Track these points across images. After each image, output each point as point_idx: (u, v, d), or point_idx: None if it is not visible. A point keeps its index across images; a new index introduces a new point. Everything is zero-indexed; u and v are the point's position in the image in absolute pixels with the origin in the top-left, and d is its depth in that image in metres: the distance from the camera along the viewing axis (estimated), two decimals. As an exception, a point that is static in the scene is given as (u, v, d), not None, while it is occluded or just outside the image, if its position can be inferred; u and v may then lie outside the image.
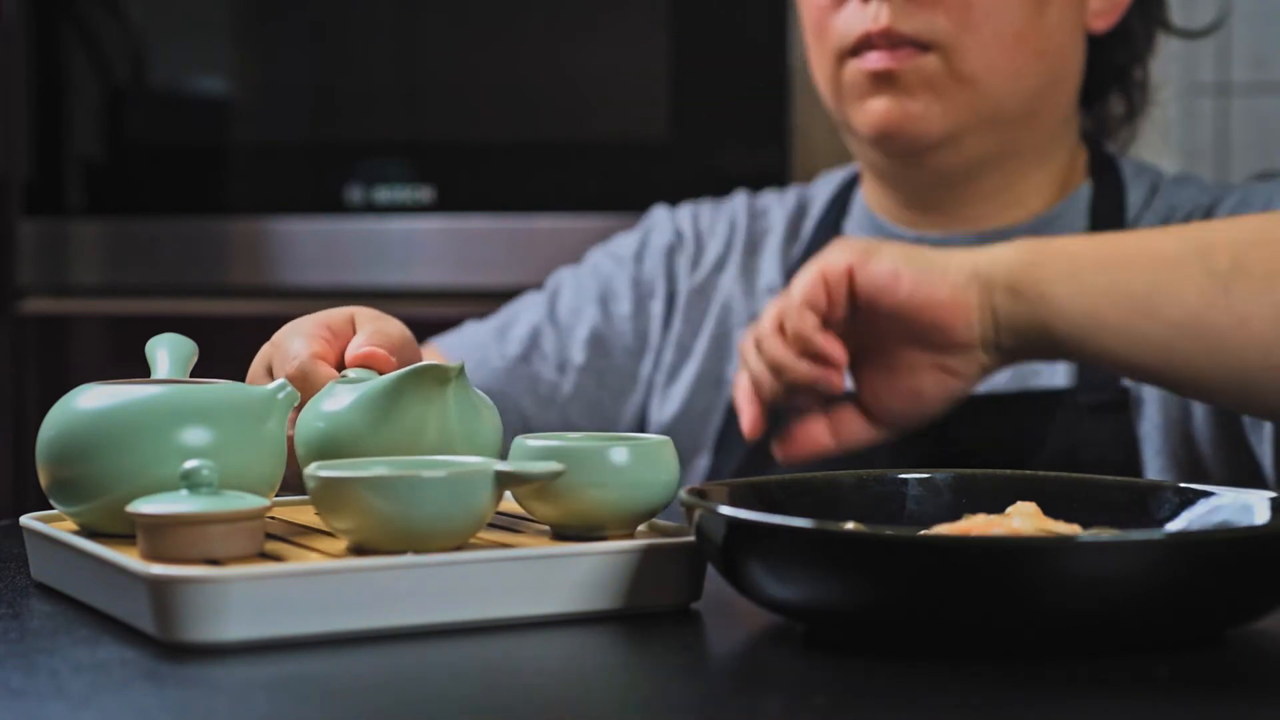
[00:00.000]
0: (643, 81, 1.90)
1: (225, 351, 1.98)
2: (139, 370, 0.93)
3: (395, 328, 0.98)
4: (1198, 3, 1.49)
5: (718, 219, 1.44)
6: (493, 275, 1.85)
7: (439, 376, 0.84)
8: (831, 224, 1.40)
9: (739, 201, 1.45)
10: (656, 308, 1.41)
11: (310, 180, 1.97)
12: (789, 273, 1.39)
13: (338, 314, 0.98)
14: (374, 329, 0.96)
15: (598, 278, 1.43)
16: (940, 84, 1.26)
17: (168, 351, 0.93)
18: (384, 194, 1.95)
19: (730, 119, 1.88)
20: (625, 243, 1.45)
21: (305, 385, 0.91)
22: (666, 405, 1.38)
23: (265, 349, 0.99)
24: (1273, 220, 1.03)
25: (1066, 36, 1.31)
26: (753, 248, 1.42)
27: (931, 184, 1.33)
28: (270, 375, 0.98)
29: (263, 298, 1.98)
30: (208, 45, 2.06)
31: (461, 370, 0.85)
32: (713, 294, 1.41)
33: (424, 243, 1.92)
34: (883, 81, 1.27)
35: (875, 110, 1.27)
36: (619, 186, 1.88)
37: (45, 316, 2.04)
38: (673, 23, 1.89)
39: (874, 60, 1.26)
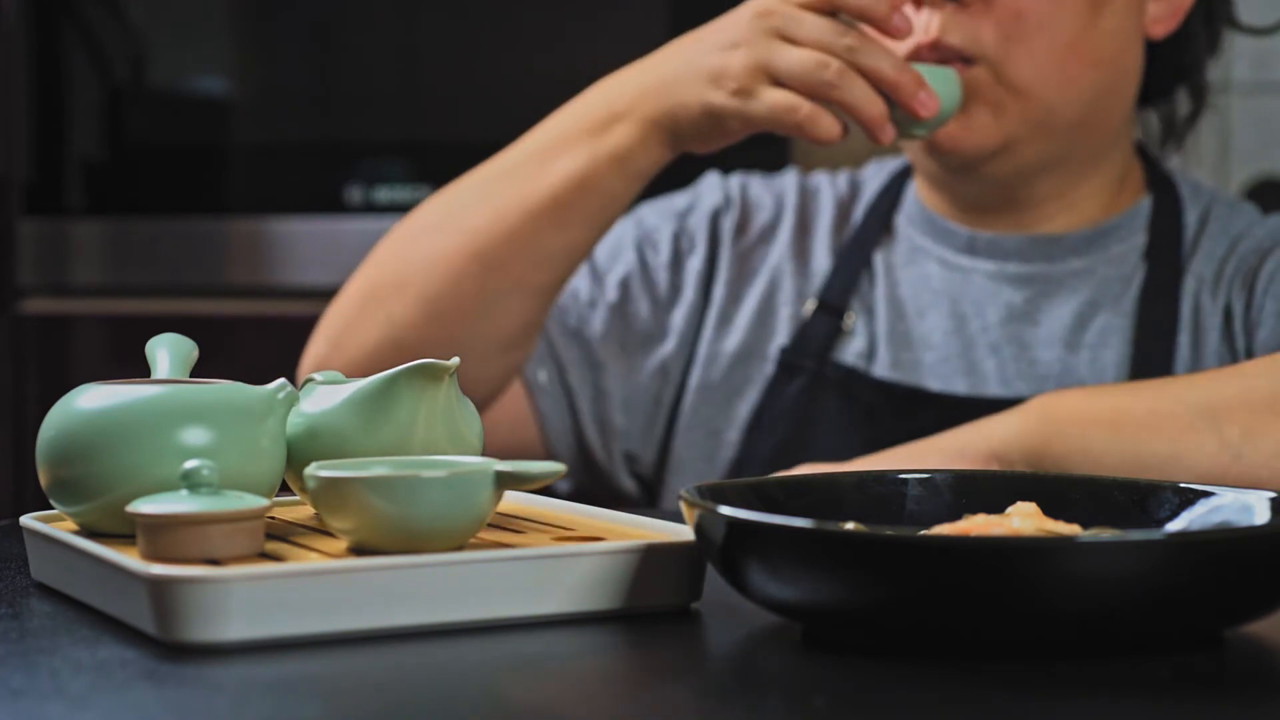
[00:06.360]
0: (643, 81, 1.90)
1: (225, 351, 1.99)
2: (139, 370, 0.93)
3: None
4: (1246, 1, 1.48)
5: (766, 192, 1.44)
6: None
7: (433, 374, 0.84)
8: (884, 214, 1.40)
9: (790, 179, 1.45)
10: (695, 264, 1.41)
11: (310, 180, 1.97)
12: (837, 256, 1.39)
13: None
14: None
15: (641, 226, 1.42)
16: (990, 95, 1.26)
17: (168, 351, 0.93)
18: (384, 194, 1.95)
19: (730, 119, 1.88)
20: (675, 199, 1.45)
21: None
22: (702, 370, 1.38)
23: None
24: None
25: (1123, 44, 1.31)
26: (805, 227, 1.41)
27: (985, 190, 1.34)
28: None
29: (263, 298, 1.98)
30: (208, 45, 2.06)
31: (454, 369, 0.85)
32: (759, 265, 1.40)
33: (424, 243, 1.92)
34: None
35: None
36: (619, 186, 1.87)
37: (45, 316, 2.04)
38: (673, 23, 1.89)
39: None
